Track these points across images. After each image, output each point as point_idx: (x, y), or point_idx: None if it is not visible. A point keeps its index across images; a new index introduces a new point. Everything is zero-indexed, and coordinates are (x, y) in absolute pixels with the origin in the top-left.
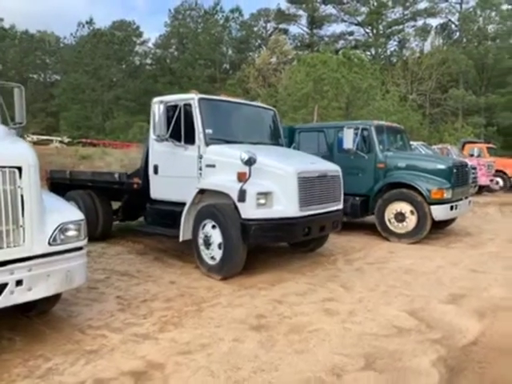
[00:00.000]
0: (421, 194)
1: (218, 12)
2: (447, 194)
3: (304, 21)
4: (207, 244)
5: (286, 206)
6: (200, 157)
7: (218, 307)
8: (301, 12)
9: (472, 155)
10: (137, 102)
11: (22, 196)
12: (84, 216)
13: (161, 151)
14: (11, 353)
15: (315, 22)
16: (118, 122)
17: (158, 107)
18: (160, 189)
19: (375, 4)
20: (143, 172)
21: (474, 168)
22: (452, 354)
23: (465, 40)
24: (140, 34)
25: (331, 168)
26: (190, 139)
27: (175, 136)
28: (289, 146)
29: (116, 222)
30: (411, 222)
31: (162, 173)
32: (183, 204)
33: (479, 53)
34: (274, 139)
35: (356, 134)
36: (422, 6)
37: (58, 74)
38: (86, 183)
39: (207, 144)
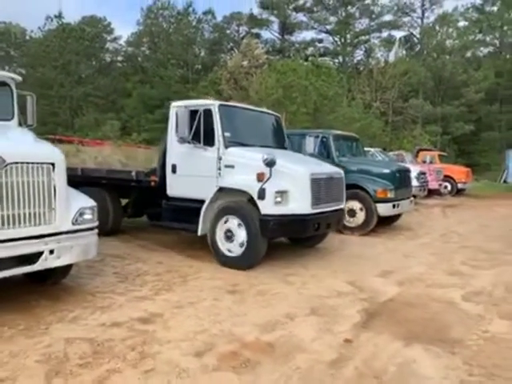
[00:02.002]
0: (368, 193)
1: (191, 13)
2: (390, 194)
3: (276, 26)
4: (229, 238)
5: (300, 203)
6: (219, 158)
7: (200, 279)
8: (273, 18)
9: (425, 161)
10: (107, 100)
11: (54, 186)
12: (94, 203)
13: (179, 152)
14: (40, 308)
15: (286, 29)
16: (87, 119)
17: (180, 111)
18: (177, 187)
19: (343, 14)
20: (160, 171)
21: (425, 173)
22: (373, 306)
23: (425, 53)
24: (111, 31)
25: (336, 171)
26: (209, 141)
27: (194, 138)
28: None
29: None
30: (361, 217)
31: (180, 172)
32: (199, 201)
33: (437, 66)
34: (280, 143)
35: (317, 142)
36: (386, 18)
37: (23, 68)
38: (99, 180)
39: (226, 146)
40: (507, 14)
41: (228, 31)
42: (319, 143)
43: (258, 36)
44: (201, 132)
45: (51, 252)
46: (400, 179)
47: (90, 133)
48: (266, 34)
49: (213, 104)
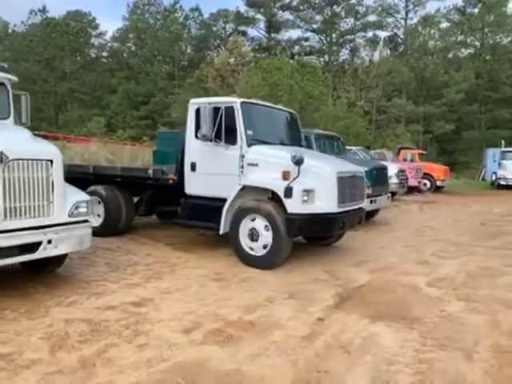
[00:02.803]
0: None
1: (178, 10)
2: (368, 190)
3: (262, 25)
4: (253, 237)
5: (327, 202)
6: (242, 156)
7: (187, 269)
8: (259, 16)
9: (406, 160)
10: (92, 96)
11: (52, 181)
12: (89, 197)
13: (199, 150)
14: (39, 294)
15: (273, 27)
16: (72, 116)
17: (203, 109)
18: (197, 185)
19: (329, 13)
20: (179, 169)
21: (404, 171)
22: (346, 291)
23: (408, 53)
24: (96, 26)
25: (358, 169)
26: (230, 139)
27: (215, 136)
28: None
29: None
30: None
31: (200, 170)
32: (219, 199)
33: (419, 66)
34: (298, 141)
35: None
36: (371, 18)
37: (5, 62)
38: (112, 178)
39: (249, 144)
40: (487, 16)
41: (215, 28)
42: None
43: (244, 34)
44: (222, 130)
45: (49, 242)
46: (377, 177)
47: (74, 129)
48: (252, 32)
49: (235, 101)
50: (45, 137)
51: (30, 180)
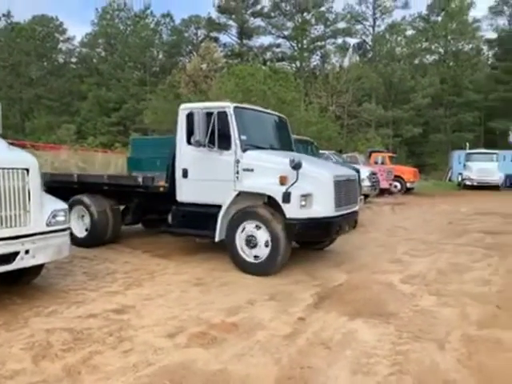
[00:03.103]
0: None
1: (149, 16)
2: None
3: (234, 31)
4: (251, 244)
5: (324, 206)
6: (237, 161)
7: (167, 275)
8: (231, 22)
9: (376, 163)
10: (60, 102)
11: (28, 190)
12: (66, 205)
13: (191, 155)
14: (15, 305)
15: (245, 33)
16: (40, 123)
17: (197, 114)
18: (189, 192)
19: (300, 20)
20: (170, 176)
21: (376, 173)
22: (325, 291)
23: (377, 59)
24: (64, 31)
25: (352, 173)
26: (224, 145)
27: (208, 141)
28: None
29: None
30: None
31: (193, 176)
32: (213, 206)
33: (387, 72)
34: (289, 146)
35: None
36: (341, 25)
37: None
38: (99, 187)
39: (243, 150)
40: (450, 24)
41: (186, 34)
42: None
43: (216, 40)
44: (215, 135)
45: (27, 252)
46: None
47: (42, 136)
48: (224, 38)
49: (228, 106)
50: (11, 145)
51: (6, 189)
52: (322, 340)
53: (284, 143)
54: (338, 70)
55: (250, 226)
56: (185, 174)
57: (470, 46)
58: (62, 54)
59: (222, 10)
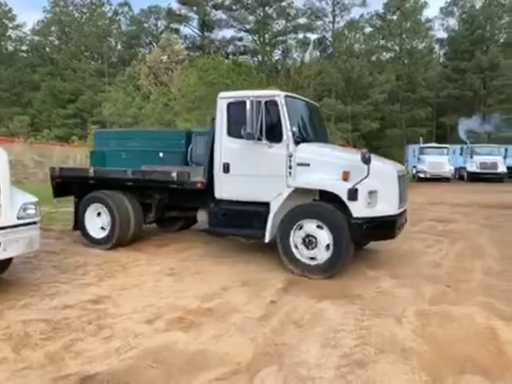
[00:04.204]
0: None
1: (106, 4)
2: None
3: (195, 23)
4: (309, 244)
5: (389, 204)
6: (289, 155)
7: (139, 266)
8: (192, 14)
9: None
10: (10, 92)
11: None
12: (36, 198)
13: (234, 149)
14: None
15: (206, 25)
16: None
17: (249, 103)
18: (231, 188)
19: (261, 14)
20: (207, 171)
21: None
22: (294, 277)
23: (336, 55)
24: (13, 17)
25: (403, 168)
26: (273, 137)
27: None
28: (186, 148)
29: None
30: None
31: (235, 171)
32: (259, 203)
33: (346, 68)
34: (325, 136)
35: None
36: (301, 21)
37: None
38: (120, 183)
39: (297, 142)
40: (405, 23)
41: (146, 25)
42: None
43: (177, 31)
44: (263, 126)
45: None
46: None
47: None
48: (185, 30)
49: (278, 94)
50: None
51: None
52: (294, 320)
53: (322, 134)
54: (300, 65)
55: (309, 225)
56: (226, 168)
57: (423, 44)
58: (11, 41)
59: (182, 1)
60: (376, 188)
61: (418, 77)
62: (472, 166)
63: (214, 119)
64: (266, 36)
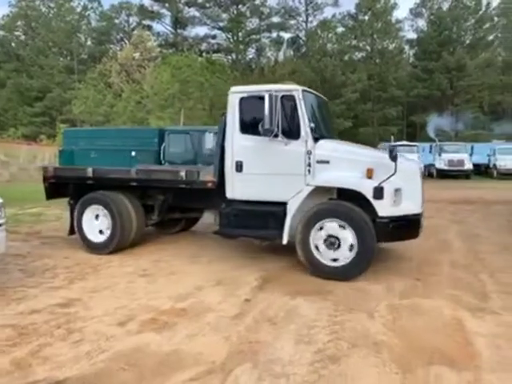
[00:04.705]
0: None
1: None
2: None
3: (168, 20)
4: (331, 245)
5: (413, 202)
6: (308, 152)
7: (111, 268)
8: (164, 11)
9: None
10: None
11: None
12: (1, 200)
13: (247, 146)
14: None
15: (179, 23)
16: None
17: (268, 98)
18: (244, 188)
19: (235, 12)
20: (218, 170)
21: None
22: (269, 274)
23: (310, 54)
24: None
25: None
26: (290, 133)
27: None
28: (159, 146)
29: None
30: None
31: (249, 170)
32: (274, 203)
33: (320, 67)
34: (333, 132)
35: (215, 138)
36: (275, 19)
37: None
38: (124, 183)
39: (315, 139)
40: (376, 23)
41: (117, 21)
42: None
43: (149, 28)
44: (279, 122)
45: None
46: None
47: None
48: (158, 27)
49: (296, 89)
50: None
51: None
52: (268, 317)
53: (332, 130)
54: (274, 63)
55: (331, 225)
56: (239, 167)
57: (394, 45)
58: None
59: None
60: (400, 186)
61: (388, 76)
62: (440, 164)
63: (223, 115)
64: (240, 34)
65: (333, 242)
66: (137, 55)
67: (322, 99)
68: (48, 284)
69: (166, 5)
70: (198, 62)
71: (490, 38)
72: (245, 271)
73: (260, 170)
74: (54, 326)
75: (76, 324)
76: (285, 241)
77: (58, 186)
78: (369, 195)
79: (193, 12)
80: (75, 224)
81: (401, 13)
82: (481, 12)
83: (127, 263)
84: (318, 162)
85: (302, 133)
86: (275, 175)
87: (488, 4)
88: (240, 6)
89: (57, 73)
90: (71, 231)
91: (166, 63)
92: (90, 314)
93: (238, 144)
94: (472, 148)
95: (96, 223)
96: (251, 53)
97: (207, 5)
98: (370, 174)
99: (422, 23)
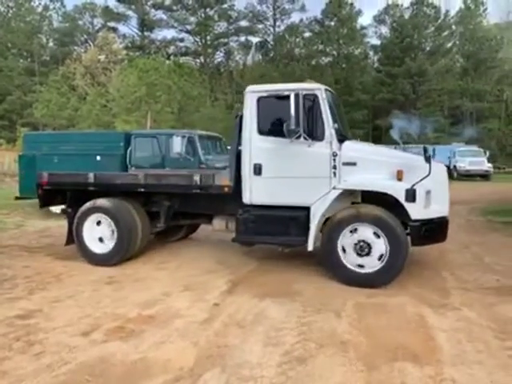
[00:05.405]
0: None
1: None
2: None
3: (134, 22)
4: (361, 250)
5: (442, 204)
6: (333, 154)
7: (75, 276)
8: (130, 13)
9: None
10: None
11: None
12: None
13: (267, 148)
14: None
15: (146, 25)
16: None
17: (293, 97)
18: (264, 192)
19: (203, 16)
20: (234, 173)
21: None
22: (237, 277)
23: (278, 59)
24: None
25: None
26: (313, 134)
27: (279, 130)
28: (125, 150)
29: None
30: None
31: (269, 173)
32: (296, 208)
33: (288, 72)
34: (348, 132)
35: (183, 141)
36: (243, 23)
37: None
38: (131, 189)
39: (340, 140)
40: (341, 29)
41: (81, 22)
42: (186, 143)
43: (115, 30)
44: (303, 123)
45: None
46: None
47: None
48: (124, 29)
49: (319, 88)
50: None
51: None
52: (237, 321)
53: (347, 129)
54: (242, 67)
55: (363, 231)
56: (257, 170)
57: (359, 50)
58: None
59: None
60: (430, 188)
61: (354, 81)
62: None
63: (237, 116)
64: (208, 38)
65: (362, 248)
66: (102, 57)
67: (337, 97)
68: (6, 295)
69: (132, 7)
70: (166, 65)
71: (449, 45)
72: (214, 275)
73: (280, 173)
74: (12, 338)
75: (36, 336)
76: (310, 247)
77: (54, 192)
78: (401, 198)
79: (160, 15)
80: (74, 235)
81: (365, 19)
82: (440, 20)
83: (92, 271)
84: (344, 163)
85: (327, 134)
86: (297, 178)
87: (447, 12)
88: (208, 10)
89: (16, 75)
90: (68, 241)
91: (133, 66)
92: (51, 325)
93: (257, 146)
94: (434, 150)
95: (98, 233)
96: (220, 56)
97: (174, 8)
98: (400, 176)
99: (385, 30)
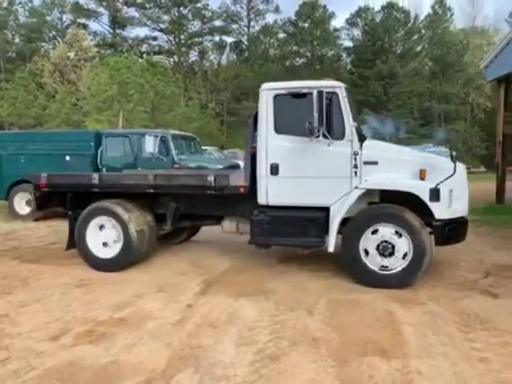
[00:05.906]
0: None
1: None
2: None
3: (105, 19)
4: (383, 251)
5: (462, 203)
6: (355, 153)
7: (43, 280)
8: (102, 9)
9: None
10: None
11: None
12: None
13: (284, 148)
14: None
15: (117, 22)
16: None
17: (315, 94)
18: (281, 192)
19: (176, 14)
20: (250, 173)
21: None
22: (211, 277)
23: (252, 59)
24: None
25: None
26: (333, 133)
27: (300, 127)
28: (96, 150)
29: None
30: None
31: (286, 173)
32: (315, 208)
33: (262, 72)
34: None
35: (156, 141)
36: (217, 23)
37: None
38: (139, 190)
39: (361, 139)
40: (315, 31)
41: (49, 18)
42: (159, 142)
43: (85, 27)
44: (324, 121)
45: None
46: None
47: None
48: (95, 26)
49: (339, 86)
50: None
51: None
52: (210, 321)
53: (361, 128)
54: (217, 67)
55: (386, 231)
56: (274, 170)
57: (332, 52)
58: None
59: None
60: (452, 187)
61: None
62: None
63: (251, 116)
64: (182, 37)
65: (385, 248)
66: (72, 55)
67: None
68: None
69: (104, 3)
70: (139, 64)
71: (418, 48)
72: (187, 277)
73: (298, 172)
74: None
75: (2, 341)
76: (331, 248)
77: (53, 194)
78: (425, 197)
79: (132, 12)
80: (76, 239)
81: (338, 22)
82: (410, 24)
83: (62, 274)
84: (366, 163)
85: (347, 132)
86: (316, 178)
87: (416, 17)
88: (181, 9)
89: None
90: (69, 245)
91: (104, 64)
92: (17, 331)
93: (273, 145)
94: None
95: (101, 237)
96: (194, 55)
97: (147, 5)
98: (423, 175)
99: (357, 33)
